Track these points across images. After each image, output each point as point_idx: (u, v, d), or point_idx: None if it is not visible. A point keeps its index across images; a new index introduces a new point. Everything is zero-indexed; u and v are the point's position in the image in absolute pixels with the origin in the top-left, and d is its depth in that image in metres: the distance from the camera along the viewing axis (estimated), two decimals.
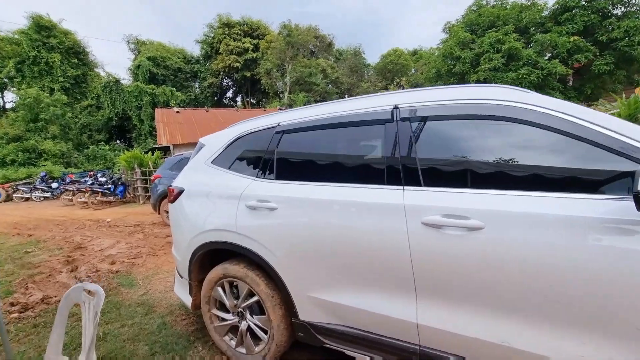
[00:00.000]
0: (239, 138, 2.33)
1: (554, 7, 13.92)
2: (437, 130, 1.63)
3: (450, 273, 1.45)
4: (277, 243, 1.91)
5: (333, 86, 30.03)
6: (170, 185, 2.65)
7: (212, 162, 2.41)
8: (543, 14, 13.87)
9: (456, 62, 12.80)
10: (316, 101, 28.04)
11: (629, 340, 1.17)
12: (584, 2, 13.13)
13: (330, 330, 1.82)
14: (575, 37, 12.47)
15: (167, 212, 7.14)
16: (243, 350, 2.20)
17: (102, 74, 29.47)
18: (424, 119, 1.64)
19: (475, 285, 1.40)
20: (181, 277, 2.53)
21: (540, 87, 11.99)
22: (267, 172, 2.09)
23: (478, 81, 12.52)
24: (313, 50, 31.77)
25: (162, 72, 28.11)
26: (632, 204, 1.11)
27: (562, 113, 1.36)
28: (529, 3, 14.34)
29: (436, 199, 1.49)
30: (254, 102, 35.75)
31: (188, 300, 2.46)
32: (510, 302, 1.34)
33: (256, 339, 2.16)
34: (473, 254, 1.38)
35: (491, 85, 1.62)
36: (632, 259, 1.13)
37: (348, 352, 1.80)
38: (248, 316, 2.16)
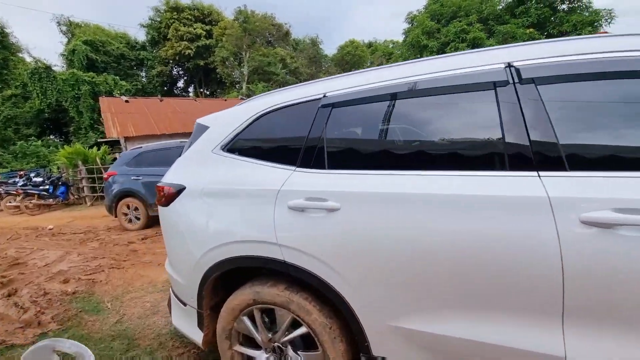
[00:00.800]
0: (263, 115, 1.73)
1: (509, 0, 14.49)
2: (579, 94, 1.21)
3: (623, 286, 1.04)
4: (342, 257, 1.38)
5: (292, 76, 29.18)
6: (160, 183, 1.98)
7: (223, 148, 1.79)
8: (499, 7, 14.39)
9: (423, 51, 12.85)
10: None
11: None
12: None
13: None
14: (531, 30, 13.11)
15: (126, 214, 6.15)
16: None
17: (28, 59, 25.67)
18: (552, 80, 1.21)
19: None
20: (184, 304, 1.88)
21: None
22: (314, 160, 1.53)
23: None
24: (270, 39, 30.55)
25: (102, 58, 25.11)
26: None
27: None
28: None
29: (602, 188, 1.07)
30: (208, 92, 33.72)
31: (197, 335, 1.84)
32: None
33: None
34: None
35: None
36: None
37: None
38: (291, 353, 1.62)
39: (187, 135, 11.56)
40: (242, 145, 1.75)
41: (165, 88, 31.05)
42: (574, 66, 1.17)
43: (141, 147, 6.59)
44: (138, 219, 6.21)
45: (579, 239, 1.06)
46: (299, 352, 1.61)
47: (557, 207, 1.08)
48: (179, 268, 1.85)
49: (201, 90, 32.50)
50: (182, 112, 12.56)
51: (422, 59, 1.50)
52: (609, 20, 14.21)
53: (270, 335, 1.64)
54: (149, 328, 2.60)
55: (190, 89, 34.53)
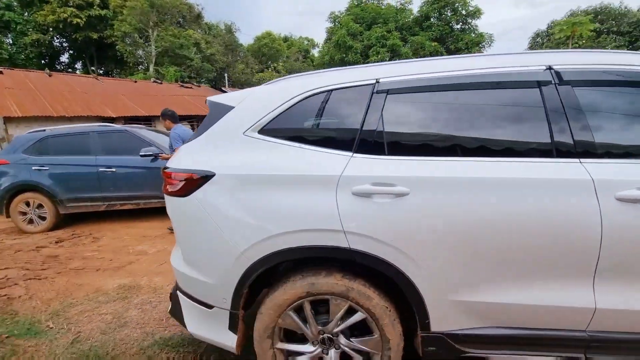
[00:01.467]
0: (307, 97, 1.63)
1: (417, 15, 16.28)
2: (598, 94, 1.50)
3: (638, 248, 1.36)
4: (411, 239, 1.43)
5: (208, 62, 27.19)
6: (170, 169, 1.69)
7: (259, 131, 1.63)
8: (408, 20, 16.03)
9: (348, 51, 13.53)
10: (190, 77, 24.89)
11: None
12: (436, 14, 15.91)
13: (476, 337, 1.51)
14: (435, 43, 15.02)
15: (24, 214, 4.94)
16: None
17: None
18: (585, 83, 1.48)
19: None
20: (208, 307, 1.66)
21: None
22: (373, 146, 1.53)
23: None
24: (180, 20, 27.79)
25: None
26: None
27: None
28: (399, 6, 16.34)
29: (618, 172, 1.37)
30: (102, 71, 28.95)
31: (228, 340, 1.64)
32: None
33: None
34: None
35: None
36: None
37: (493, 357, 1.54)
38: (343, 341, 1.60)
39: (95, 119, 9.62)
40: (282, 128, 1.63)
41: (43, 61, 25.43)
42: (603, 73, 1.45)
43: (44, 130, 5.32)
44: (43, 218, 5.03)
45: (615, 212, 1.33)
46: (352, 339, 1.60)
47: (601, 187, 1.34)
48: (207, 266, 1.63)
49: (92, 68, 27.64)
50: (84, 92, 10.37)
51: (478, 54, 1.64)
52: (489, 43, 17.16)
53: (320, 326, 1.59)
54: (124, 343, 2.19)
55: (78, 65, 29.06)
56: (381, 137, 1.54)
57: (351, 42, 13.46)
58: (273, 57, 34.55)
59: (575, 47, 21.61)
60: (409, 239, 1.43)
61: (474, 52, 16.54)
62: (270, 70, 29.72)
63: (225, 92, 18.70)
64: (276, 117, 1.63)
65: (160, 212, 5.53)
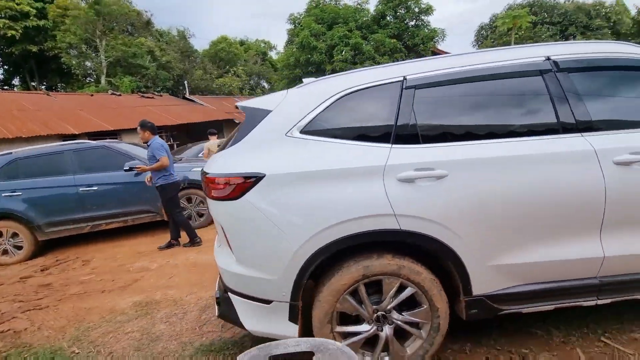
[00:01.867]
0: (342, 97, 1.76)
1: (374, 14, 16.82)
2: (588, 78, 1.78)
3: (633, 202, 1.65)
4: (453, 216, 1.62)
5: (164, 70, 26.08)
6: (212, 174, 1.74)
7: (301, 131, 1.73)
8: (366, 18, 16.53)
9: (313, 52, 13.72)
10: (146, 87, 23.74)
11: None
12: (392, 12, 16.58)
13: (510, 295, 1.73)
14: (394, 40, 15.64)
15: None
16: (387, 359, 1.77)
17: None
18: (577, 69, 1.75)
19: None
20: (267, 302, 1.73)
21: None
22: (408, 136, 1.70)
23: (333, 71, 13.91)
24: (129, 28, 26.37)
25: None
26: None
27: None
28: (356, 6, 16.80)
29: (615, 141, 1.65)
30: (44, 86, 26.73)
31: (289, 331, 1.73)
32: None
33: (403, 340, 1.79)
34: None
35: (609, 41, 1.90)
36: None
37: (525, 311, 1.77)
38: (396, 316, 1.75)
39: (56, 138, 8.87)
40: (322, 127, 1.74)
41: None
42: (592, 61, 1.73)
43: (10, 152, 4.91)
44: (19, 247, 4.67)
45: (614, 173, 1.60)
46: (403, 313, 1.75)
47: (602, 155, 1.60)
48: (264, 264, 1.70)
49: (33, 83, 25.43)
50: (37, 110, 9.51)
51: (488, 49, 1.86)
52: (442, 37, 18.15)
53: (375, 306, 1.73)
54: (164, 355, 2.18)
55: (16, 81, 26.60)
56: (415, 128, 1.70)
57: (315, 43, 13.67)
58: (231, 61, 33.87)
59: (516, 38, 23.53)
60: (451, 215, 1.61)
61: (429, 47, 17.38)
62: (230, 75, 29.10)
63: (189, 99, 17.93)
64: (316, 116, 1.74)
65: (147, 228, 5.37)
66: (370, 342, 1.78)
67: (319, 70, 14.40)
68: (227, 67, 33.61)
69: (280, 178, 1.66)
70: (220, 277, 1.99)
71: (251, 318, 1.79)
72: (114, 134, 9.72)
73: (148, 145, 4.26)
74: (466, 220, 1.62)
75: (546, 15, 27.49)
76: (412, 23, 17.41)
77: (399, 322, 1.75)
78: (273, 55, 40.37)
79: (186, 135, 12.86)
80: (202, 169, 1.93)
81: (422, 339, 1.77)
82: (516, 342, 1.95)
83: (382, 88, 1.77)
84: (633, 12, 30.37)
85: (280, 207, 1.64)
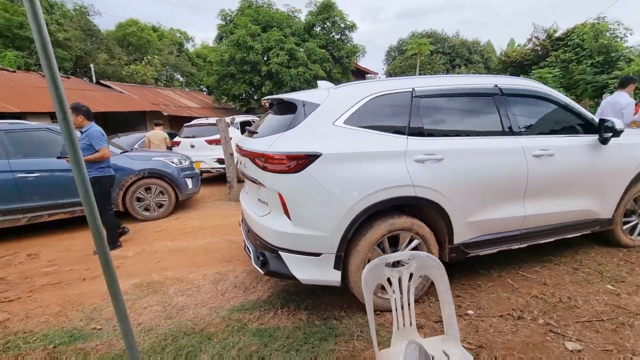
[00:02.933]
0: (373, 99, 2.35)
1: (305, 22, 17.71)
2: (517, 101, 2.76)
3: (541, 180, 2.67)
4: (447, 186, 2.37)
5: (61, 49, 22.17)
6: (274, 152, 2.14)
7: (345, 122, 2.26)
8: (300, 26, 17.27)
9: (249, 51, 13.78)
10: (37, 64, 19.87)
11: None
12: (320, 24, 17.74)
13: (474, 243, 2.57)
14: (323, 50, 16.77)
15: None
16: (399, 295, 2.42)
17: None
18: (512, 95, 2.72)
19: (554, 185, 2.71)
20: (317, 255, 2.20)
21: (310, 83, 15.43)
22: (417, 130, 2.39)
23: (269, 72, 14.21)
24: None
25: None
26: (596, 136, 2.80)
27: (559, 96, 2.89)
28: (288, 12, 17.44)
29: (533, 142, 2.65)
30: None
31: (333, 276, 2.23)
32: (556, 192, 2.77)
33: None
34: (564, 165, 2.68)
35: (524, 78, 2.93)
36: (597, 158, 2.83)
37: (482, 254, 2.64)
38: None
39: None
40: (359, 119, 2.30)
41: None
42: (519, 90, 2.71)
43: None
44: None
45: (532, 162, 2.59)
46: None
47: (526, 150, 2.57)
48: (319, 223, 2.16)
49: None
50: None
51: (464, 75, 2.69)
52: (363, 53, 20.06)
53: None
54: (200, 319, 2.41)
55: None
56: (421, 125, 2.41)
57: (252, 43, 13.78)
58: (142, 47, 30.75)
59: (421, 61, 27.44)
60: (446, 186, 2.36)
61: (353, 60, 19.00)
62: (144, 63, 26.43)
63: (104, 85, 15.76)
64: (355, 112, 2.30)
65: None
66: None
67: (254, 70, 14.53)
68: (137, 53, 30.40)
69: (332, 157, 2.16)
70: (260, 242, 2.36)
71: (302, 269, 2.23)
72: (17, 117, 8.17)
73: (82, 133, 3.77)
74: (454, 190, 2.40)
75: (439, 46, 32.67)
76: (338, 37, 18.79)
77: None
78: (190, 47, 38.02)
79: (102, 125, 11.42)
80: (251, 148, 2.30)
81: (420, 277, 2.47)
82: (470, 279, 2.82)
83: (399, 94, 2.44)
84: (498, 52, 38.45)
85: (333, 178, 2.15)
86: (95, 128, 3.81)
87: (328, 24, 17.72)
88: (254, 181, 2.45)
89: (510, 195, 2.62)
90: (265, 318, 2.38)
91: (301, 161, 2.12)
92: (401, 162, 2.27)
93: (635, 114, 5.23)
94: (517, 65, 18.06)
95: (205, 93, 26.21)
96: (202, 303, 2.63)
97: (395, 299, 1.56)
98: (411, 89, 2.46)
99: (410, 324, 1.55)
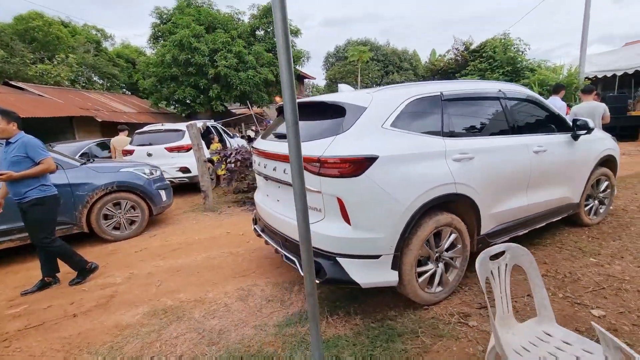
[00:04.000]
0: (410, 102, 2.44)
1: (248, 25, 17.29)
2: (516, 104, 3.11)
3: (539, 173, 3.05)
4: (478, 182, 2.57)
5: None
6: (330, 155, 2.10)
7: (391, 125, 2.31)
8: (246, 29, 16.77)
9: (194, 53, 12.92)
10: None
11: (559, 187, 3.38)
12: (265, 28, 17.55)
13: (493, 233, 2.83)
14: (271, 54, 16.61)
15: None
16: (440, 288, 2.55)
17: None
18: (513, 99, 3.06)
19: (546, 177, 3.11)
20: (376, 257, 2.20)
21: (259, 87, 15.12)
22: (449, 131, 2.55)
23: (217, 75, 13.50)
24: None
25: None
26: (569, 134, 3.30)
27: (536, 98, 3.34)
28: (233, 13, 16.86)
29: (532, 140, 3.01)
30: None
31: (392, 277, 2.24)
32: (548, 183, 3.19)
33: (447, 271, 2.61)
34: (552, 160, 3.08)
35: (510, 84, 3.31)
36: (571, 152, 3.33)
37: (499, 241, 2.91)
38: (445, 254, 2.55)
39: None
40: (401, 122, 2.36)
41: None
42: (516, 94, 3.07)
43: None
44: None
45: (533, 157, 2.95)
46: (449, 251, 2.57)
47: (528, 147, 2.92)
48: (378, 225, 2.16)
49: None
50: None
51: (481, 81, 2.92)
52: (307, 58, 20.33)
53: (436, 249, 2.48)
54: (247, 340, 2.22)
55: None
56: (452, 127, 2.58)
57: (197, 44, 12.95)
58: (50, 44, 26.82)
59: (362, 67, 28.82)
60: (477, 182, 2.56)
61: (298, 65, 19.15)
62: (55, 62, 23.06)
63: (16, 87, 13.46)
64: (398, 114, 2.36)
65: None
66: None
67: (200, 73, 13.68)
68: (45, 51, 26.47)
69: (388, 159, 2.19)
70: (314, 250, 2.26)
71: (362, 274, 2.21)
72: None
73: (9, 143, 2.99)
74: (483, 185, 2.60)
75: (374, 54, 34.75)
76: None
77: (447, 259, 2.56)
78: (108, 46, 34.35)
79: None
80: (315, 154, 2.22)
81: (457, 268, 2.63)
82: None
83: (431, 98, 2.56)
84: (423, 61, 42.32)
85: (390, 180, 2.17)
86: (28, 137, 3.06)
87: (271, 28, 17.57)
88: (291, 185, 2.35)
89: (519, 187, 2.94)
90: (320, 328, 2.29)
91: (361, 164, 2.10)
92: (443, 162, 2.40)
93: (566, 114, 6.26)
94: (443, 72, 20.13)
95: (128, 95, 23.92)
96: (241, 323, 2.42)
97: (499, 289, 1.64)
98: (439, 93, 2.62)
99: (508, 310, 1.65)
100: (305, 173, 2.22)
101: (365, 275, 2.22)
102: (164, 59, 12.76)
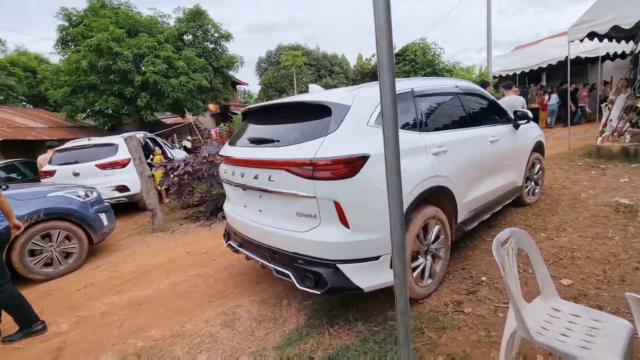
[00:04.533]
0: None
1: (175, 29, 16.19)
2: (470, 98, 3.34)
3: (495, 160, 3.32)
4: (453, 174, 2.68)
5: None
6: (324, 157, 2.00)
7: (375, 123, 2.28)
8: (169, 32, 15.63)
9: (116, 58, 11.55)
10: None
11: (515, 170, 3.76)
12: (193, 31, 16.59)
13: (467, 220, 2.99)
14: (202, 59, 15.77)
15: None
16: (430, 280, 2.61)
17: None
18: (467, 94, 3.28)
19: (500, 164, 3.40)
20: (376, 259, 2.14)
21: (192, 93, 14.17)
22: (423, 126, 2.62)
23: (145, 82, 12.26)
24: None
25: None
26: (511, 125, 3.67)
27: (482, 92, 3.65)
28: (155, 15, 15.59)
29: (488, 131, 3.27)
30: None
31: (392, 277, 2.20)
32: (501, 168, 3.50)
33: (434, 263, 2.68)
34: (503, 148, 3.37)
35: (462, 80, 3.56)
36: (514, 140, 3.70)
37: (470, 228, 3.09)
38: (432, 247, 2.61)
39: None
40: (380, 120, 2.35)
41: None
42: (468, 89, 3.30)
43: None
44: None
45: (490, 146, 3.21)
46: (434, 243, 2.64)
47: (486, 137, 3.17)
48: (377, 225, 2.11)
49: None
50: None
51: (440, 77, 3.06)
52: (241, 64, 19.68)
53: (425, 242, 2.52)
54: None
55: None
56: (425, 122, 2.66)
57: (118, 48, 11.60)
58: None
59: (291, 72, 28.92)
60: (453, 173, 2.67)
61: (232, 70, 18.53)
62: None
63: None
64: (377, 114, 2.33)
65: None
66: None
67: (125, 80, 12.29)
68: None
69: (379, 156, 2.14)
70: (304, 260, 2.13)
71: (363, 277, 2.13)
72: None
73: None
74: (457, 176, 2.74)
75: (306, 59, 35.29)
76: (212, 46, 17.96)
77: (434, 251, 2.62)
78: None
79: None
80: (282, 156, 2.08)
81: (442, 258, 2.71)
82: (459, 253, 3.26)
83: (405, 94, 2.61)
84: (352, 65, 44.36)
85: (383, 177, 2.13)
86: None
87: (200, 32, 16.71)
88: (279, 193, 2.19)
89: (483, 175, 3.15)
90: (324, 342, 2.16)
91: (355, 164, 2.03)
92: (425, 156, 2.45)
93: None
94: (372, 75, 21.30)
95: (30, 108, 20.74)
96: (235, 352, 2.16)
97: (508, 273, 1.69)
98: (411, 89, 2.68)
99: (519, 293, 1.71)
100: (294, 178, 2.10)
101: (367, 278, 2.15)
102: (79, 65, 11.19)
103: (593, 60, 12.04)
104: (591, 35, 7.68)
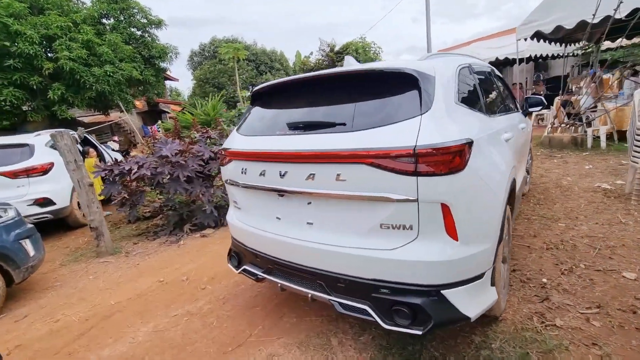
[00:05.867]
0: (460, 73, 1.95)
1: (93, 10, 13.79)
2: (499, 81, 3.04)
3: (522, 149, 3.09)
4: (515, 163, 2.32)
5: None
6: (433, 144, 1.43)
7: (460, 100, 1.78)
8: (86, 12, 13.28)
9: (17, 38, 9.15)
10: None
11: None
12: (115, 15, 14.38)
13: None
14: (130, 47, 13.73)
15: None
16: (505, 290, 2.21)
17: None
18: (498, 77, 2.97)
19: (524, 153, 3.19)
20: (479, 277, 1.63)
21: (120, 85, 12.13)
22: (486, 108, 2.20)
23: (58, 69, 9.97)
24: None
25: None
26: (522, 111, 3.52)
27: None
28: None
29: (516, 118, 3.01)
30: None
31: (492, 296, 1.73)
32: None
33: None
34: (526, 137, 3.16)
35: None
36: (527, 127, 3.54)
37: None
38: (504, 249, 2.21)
39: None
40: (459, 97, 1.84)
41: None
42: (496, 72, 3.00)
43: None
44: None
45: (521, 133, 2.95)
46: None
47: (518, 124, 2.90)
48: (486, 233, 1.62)
49: None
50: None
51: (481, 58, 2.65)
52: (176, 55, 17.79)
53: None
54: None
55: None
56: (486, 104, 2.24)
57: (19, 27, 9.19)
58: None
59: (231, 66, 27.28)
60: (515, 162, 2.30)
61: (165, 61, 16.63)
62: None
63: None
64: (456, 89, 1.82)
65: None
66: None
67: (30, 67, 9.83)
68: None
69: (479, 142, 1.64)
70: (391, 290, 1.54)
71: (470, 303, 1.60)
72: None
73: None
74: (515, 167, 2.38)
75: (247, 54, 33.75)
76: (140, 33, 15.88)
77: (505, 254, 2.22)
78: None
79: None
80: (363, 145, 1.47)
81: (507, 262, 2.33)
82: None
83: (468, 69, 2.16)
84: (291, 62, 43.82)
85: (486, 166, 1.66)
86: None
87: (124, 16, 14.53)
88: (352, 198, 1.56)
89: (520, 166, 2.89)
90: None
91: (463, 153, 1.49)
92: (503, 143, 2.03)
93: None
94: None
95: None
96: None
97: None
98: (469, 64, 2.23)
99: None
100: (383, 176, 1.48)
101: (472, 302, 1.62)
102: None
103: (505, 64, 13.17)
104: (538, 36, 8.32)
